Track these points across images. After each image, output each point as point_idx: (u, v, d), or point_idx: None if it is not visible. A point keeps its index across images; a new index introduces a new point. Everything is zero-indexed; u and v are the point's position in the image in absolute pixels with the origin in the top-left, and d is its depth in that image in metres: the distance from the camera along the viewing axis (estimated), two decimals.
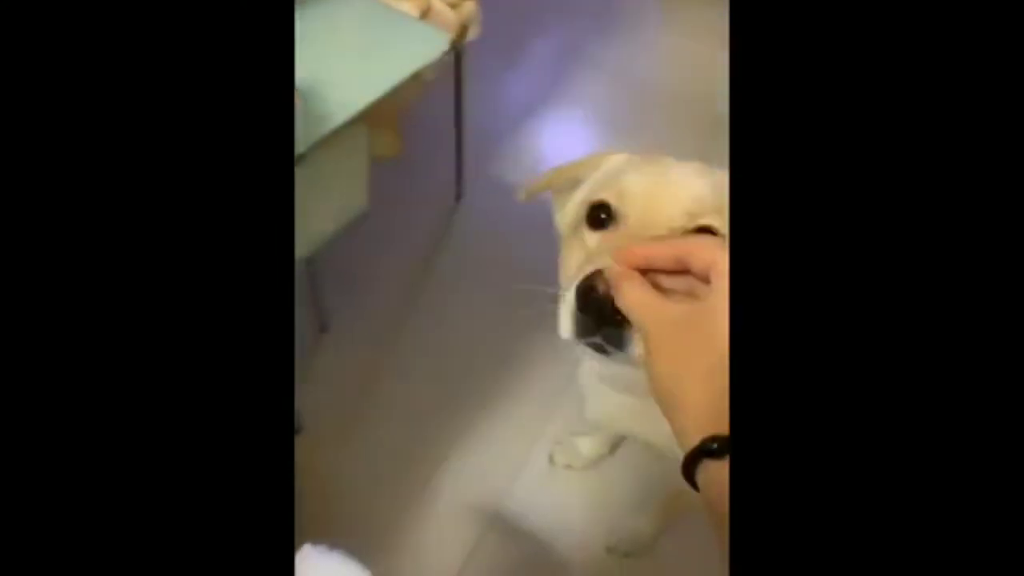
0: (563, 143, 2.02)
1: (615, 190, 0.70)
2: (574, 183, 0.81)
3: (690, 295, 0.47)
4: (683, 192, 0.68)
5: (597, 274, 0.54)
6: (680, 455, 0.43)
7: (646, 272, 0.49)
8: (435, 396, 1.50)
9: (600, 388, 0.89)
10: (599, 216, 0.69)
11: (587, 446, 1.41)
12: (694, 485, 0.42)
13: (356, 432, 1.44)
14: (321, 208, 0.96)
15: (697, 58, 2.25)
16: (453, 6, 1.26)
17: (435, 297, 1.67)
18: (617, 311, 0.51)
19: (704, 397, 0.42)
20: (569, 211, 0.79)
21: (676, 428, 0.43)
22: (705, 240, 0.47)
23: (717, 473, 0.40)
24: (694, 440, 0.41)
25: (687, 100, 2.09)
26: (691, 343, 0.43)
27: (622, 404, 0.88)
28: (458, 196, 1.81)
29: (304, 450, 1.38)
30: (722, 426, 0.40)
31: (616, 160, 0.79)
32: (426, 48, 0.89)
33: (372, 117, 1.28)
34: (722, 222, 0.67)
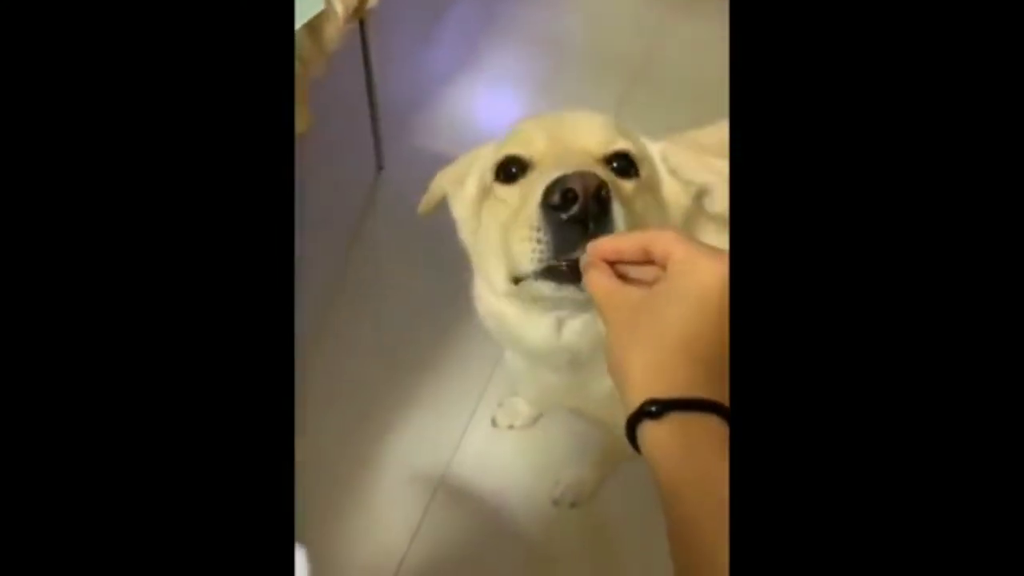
0: (483, 107, 2.01)
1: (517, 142, 0.70)
2: (462, 179, 0.81)
3: (655, 283, 0.50)
4: (587, 125, 0.69)
5: (565, 177, 0.55)
6: (617, 422, 0.47)
7: (615, 263, 0.52)
8: (374, 367, 1.50)
9: (531, 371, 0.90)
10: (510, 171, 0.69)
11: (526, 406, 1.44)
12: (636, 446, 0.46)
13: (298, 407, 1.43)
14: None
15: (612, 14, 2.26)
16: None
17: (366, 267, 1.66)
18: (601, 199, 0.54)
19: (647, 369, 0.45)
20: (467, 195, 0.79)
21: (623, 397, 0.47)
22: (665, 232, 0.50)
23: (655, 433, 0.44)
24: (635, 404, 0.45)
25: (604, 57, 2.10)
26: (642, 323, 0.47)
27: (553, 383, 0.89)
28: (379, 167, 1.79)
29: None
30: (661, 393, 0.44)
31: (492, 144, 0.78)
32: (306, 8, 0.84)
33: None
34: (635, 146, 0.68)
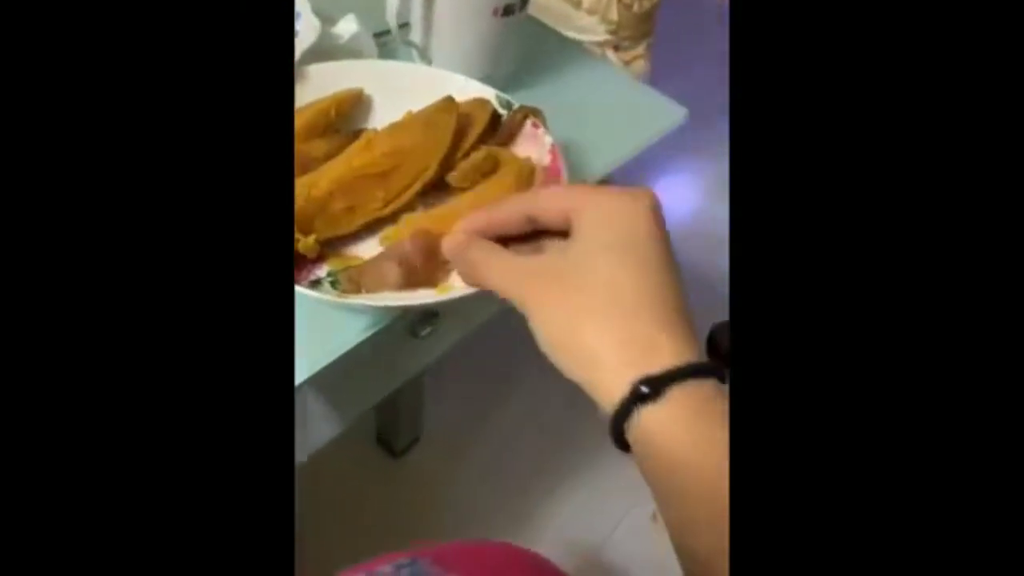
0: None
1: None
2: None
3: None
4: None
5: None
6: None
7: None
8: (550, 434, 1.53)
9: None
10: None
11: None
12: (624, 444, 0.37)
13: (469, 452, 1.48)
14: None
15: None
16: (626, 63, 1.34)
17: None
18: None
19: (615, 339, 0.35)
20: None
21: (592, 384, 0.36)
22: (555, 188, 0.41)
23: (653, 418, 0.34)
24: (619, 388, 0.35)
25: None
26: (579, 287, 0.37)
27: None
28: None
29: (421, 455, 1.44)
30: (646, 367, 0.34)
31: None
32: (665, 119, 0.84)
33: None
34: None
